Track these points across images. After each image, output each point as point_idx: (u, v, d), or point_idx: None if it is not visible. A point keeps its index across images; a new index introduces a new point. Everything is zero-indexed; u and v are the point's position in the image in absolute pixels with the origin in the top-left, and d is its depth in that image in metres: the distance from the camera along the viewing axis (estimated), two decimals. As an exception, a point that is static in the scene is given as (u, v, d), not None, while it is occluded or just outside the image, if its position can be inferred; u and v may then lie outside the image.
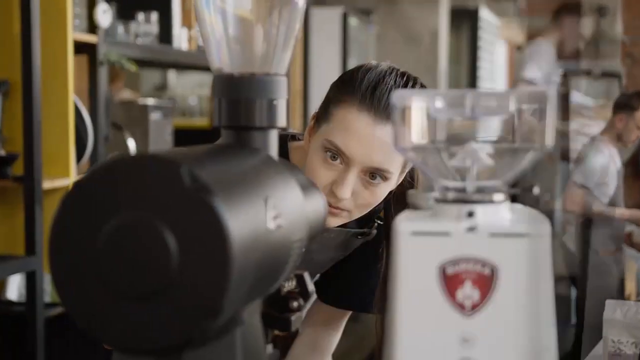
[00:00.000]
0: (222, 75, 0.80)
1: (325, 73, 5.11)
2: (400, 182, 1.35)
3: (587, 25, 4.67)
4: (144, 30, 3.00)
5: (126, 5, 2.97)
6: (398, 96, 0.69)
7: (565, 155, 4.88)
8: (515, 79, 4.56)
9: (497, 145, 0.70)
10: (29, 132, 2.33)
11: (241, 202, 0.64)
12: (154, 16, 3.04)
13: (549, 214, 4.63)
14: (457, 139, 0.71)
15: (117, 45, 2.82)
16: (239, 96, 0.79)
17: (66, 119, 2.47)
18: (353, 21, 4.89)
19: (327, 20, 4.77)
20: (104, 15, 2.65)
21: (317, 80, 4.55)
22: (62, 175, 2.49)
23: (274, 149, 0.80)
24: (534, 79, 4.37)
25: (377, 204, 1.31)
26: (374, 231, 1.45)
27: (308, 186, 0.85)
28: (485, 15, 7.48)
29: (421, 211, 0.73)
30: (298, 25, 0.83)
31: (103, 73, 2.70)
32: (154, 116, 3.10)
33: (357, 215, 1.32)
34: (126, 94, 4.65)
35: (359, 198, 1.28)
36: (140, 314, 0.61)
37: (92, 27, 2.66)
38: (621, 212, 4.67)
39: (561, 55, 4.67)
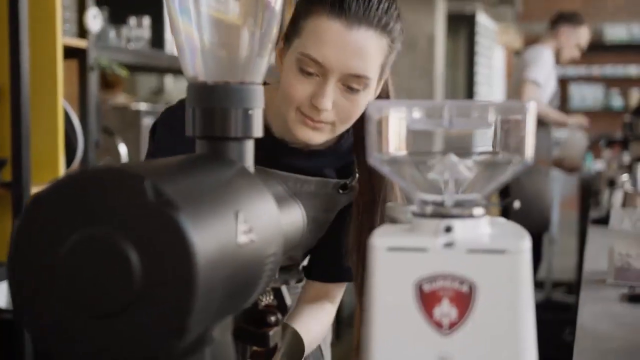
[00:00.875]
0: (195, 83, 0.78)
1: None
2: (379, 92, 1.33)
3: (584, 33, 4.65)
4: (136, 35, 2.98)
5: (118, 10, 2.95)
6: (374, 107, 0.67)
7: (558, 163, 4.84)
8: (516, 80, 4.50)
9: (476, 158, 0.68)
10: (17, 137, 2.30)
11: (209, 216, 0.61)
12: (146, 21, 3.02)
13: (545, 220, 4.58)
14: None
15: (108, 50, 2.80)
16: (214, 105, 0.77)
17: (55, 124, 2.45)
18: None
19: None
20: (94, 20, 2.62)
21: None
22: (51, 181, 2.46)
23: (249, 160, 0.78)
24: (537, 80, 4.35)
25: (359, 114, 1.29)
26: (356, 184, 1.41)
27: (285, 198, 0.83)
28: (483, 20, 7.47)
29: (399, 225, 0.71)
30: (275, 31, 0.81)
31: (93, 78, 2.68)
32: (147, 121, 3.08)
33: (340, 129, 1.29)
34: (121, 99, 4.63)
35: (340, 109, 1.26)
36: (102, 333, 0.58)
37: (83, 32, 2.63)
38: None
39: (558, 62, 4.66)
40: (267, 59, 0.81)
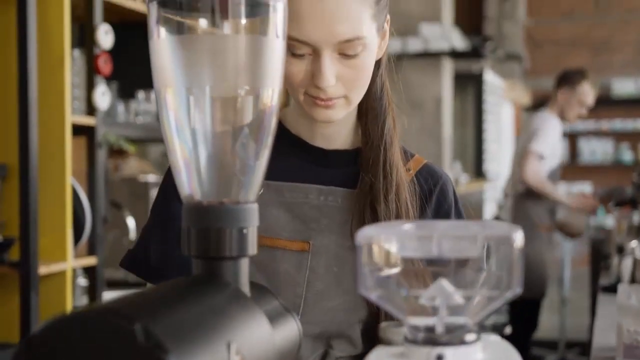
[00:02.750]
0: (190, 203, 0.79)
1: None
2: (384, 47, 1.25)
3: (585, 90, 4.63)
4: (144, 109, 3.02)
5: (127, 85, 3.00)
6: (363, 235, 0.68)
7: (560, 226, 4.76)
8: (522, 148, 4.48)
9: (467, 284, 0.68)
10: (25, 217, 2.32)
11: (200, 353, 0.62)
12: (154, 94, 3.06)
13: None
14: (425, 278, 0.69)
15: (116, 125, 2.84)
16: (209, 225, 0.78)
17: (63, 202, 2.47)
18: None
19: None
20: (103, 97, 2.66)
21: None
22: (59, 259, 2.47)
23: (244, 279, 0.79)
24: (542, 153, 4.35)
25: (369, 77, 1.20)
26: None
27: (280, 313, 0.83)
28: (490, 78, 7.52)
29: (392, 348, 0.71)
30: (267, 151, 0.82)
31: (101, 154, 2.71)
32: (155, 193, 3.10)
33: (356, 98, 1.20)
34: (132, 164, 4.66)
35: (346, 79, 1.16)
36: None
37: (91, 109, 2.67)
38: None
39: (565, 120, 4.65)
40: (262, 175, 0.82)
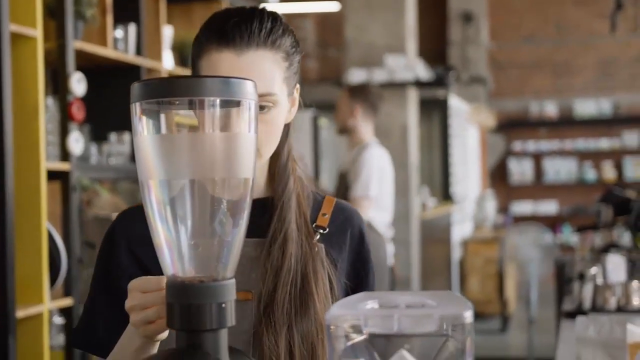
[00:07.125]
0: (174, 281, 0.87)
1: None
2: (294, 113, 1.32)
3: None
4: (117, 150, 3.09)
5: (99, 127, 3.07)
6: (331, 315, 0.76)
7: None
8: None
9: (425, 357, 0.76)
10: (2, 262, 2.37)
11: None
12: (127, 136, 3.13)
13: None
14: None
15: (89, 168, 2.90)
16: (190, 302, 0.86)
17: (39, 246, 2.52)
18: (323, 122, 5.01)
19: (298, 123, 4.88)
20: (76, 143, 2.73)
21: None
22: (36, 302, 2.52)
23: (224, 348, 0.87)
24: None
25: (279, 135, 1.28)
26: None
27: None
28: (455, 102, 7.66)
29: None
30: (243, 229, 0.90)
31: (75, 198, 2.77)
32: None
33: (267, 153, 1.28)
34: (105, 198, 4.69)
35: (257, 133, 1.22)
36: None
37: (65, 154, 2.73)
38: None
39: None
40: (240, 246, 0.90)
